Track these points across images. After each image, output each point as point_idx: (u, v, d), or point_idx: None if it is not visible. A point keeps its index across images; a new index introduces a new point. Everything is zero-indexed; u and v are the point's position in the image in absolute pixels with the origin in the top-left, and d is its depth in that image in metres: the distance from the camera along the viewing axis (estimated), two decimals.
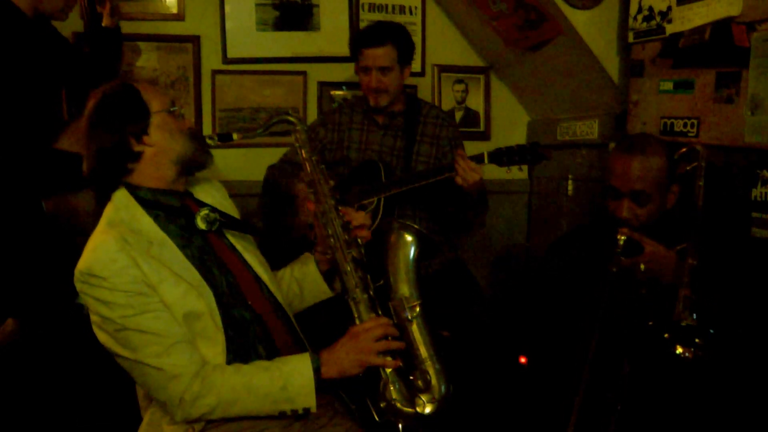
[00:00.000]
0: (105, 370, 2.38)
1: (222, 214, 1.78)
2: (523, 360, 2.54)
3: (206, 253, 1.73)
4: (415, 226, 1.85)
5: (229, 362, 1.62)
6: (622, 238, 1.94)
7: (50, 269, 2.45)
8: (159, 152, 1.69)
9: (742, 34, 2.27)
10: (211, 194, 1.90)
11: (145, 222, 1.67)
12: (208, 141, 1.74)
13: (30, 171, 2.38)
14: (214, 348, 1.62)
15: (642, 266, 1.93)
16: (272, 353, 1.69)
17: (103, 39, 2.65)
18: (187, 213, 1.74)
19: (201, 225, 1.72)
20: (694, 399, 1.93)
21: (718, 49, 2.36)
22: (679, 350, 1.78)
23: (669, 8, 2.56)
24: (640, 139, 2.15)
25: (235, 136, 1.73)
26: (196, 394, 1.55)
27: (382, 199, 2.67)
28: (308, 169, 1.84)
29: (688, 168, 2.05)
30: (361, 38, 2.74)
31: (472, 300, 2.92)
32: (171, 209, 1.72)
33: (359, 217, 1.86)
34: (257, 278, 1.81)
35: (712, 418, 1.93)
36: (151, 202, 1.69)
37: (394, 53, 2.69)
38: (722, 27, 2.32)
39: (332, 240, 1.78)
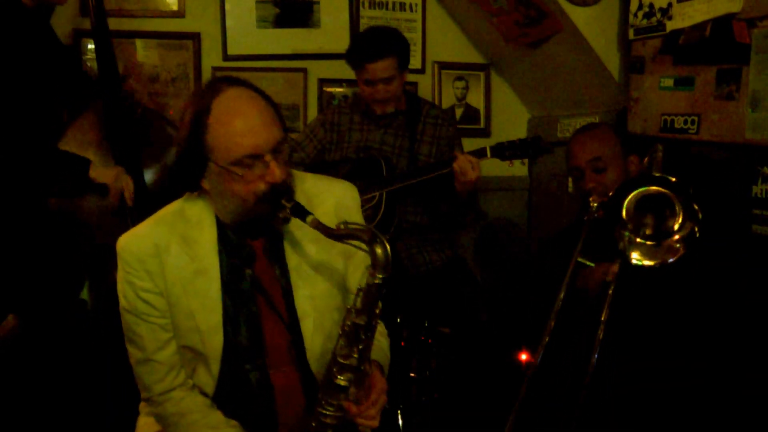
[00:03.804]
0: (105, 367, 2.40)
1: (265, 286, 1.57)
2: (523, 357, 2.54)
3: (248, 303, 1.57)
4: None
5: (217, 397, 1.60)
6: (594, 204, 2.01)
7: (52, 265, 2.46)
8: (214, 197, 1.54)
9: (742, 30, 2.27)
10: (310, 239, 1.59)
11: (207, 235, 1.55)
12: (280, 213, 1.49)
13: (34, 169, 2.37)
14: (207, 379, 1.58)
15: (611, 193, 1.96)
16: (271, 416, 1.60)
17: (108, 37, 2.64)
18: (241, 256, 1.57)
19: (248, 279, 1.57)
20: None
21: (719, 46, 2.36)
22: (644, 261, 1.74)
23: (669, 5, 2.56)
24: (584, 125, 2.34)
25: (308, 219, 1.45)
26: (152, 413, 1.62)
27: (384, 194, 2.68)
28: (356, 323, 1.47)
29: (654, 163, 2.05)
30: (362, 53, 2.66)
31: (471, 297, 2.92)
32: (228, 242, 1.56)
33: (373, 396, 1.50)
34: (295, 337, 1.59)
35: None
36: (218, 220, 1.57)
37: (396, 63, 2.66)
38: (723, 23, 2.32)
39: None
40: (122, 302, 1.56)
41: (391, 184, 2.65)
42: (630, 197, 1.79)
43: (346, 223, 1.44)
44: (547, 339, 1.85)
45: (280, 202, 1.46)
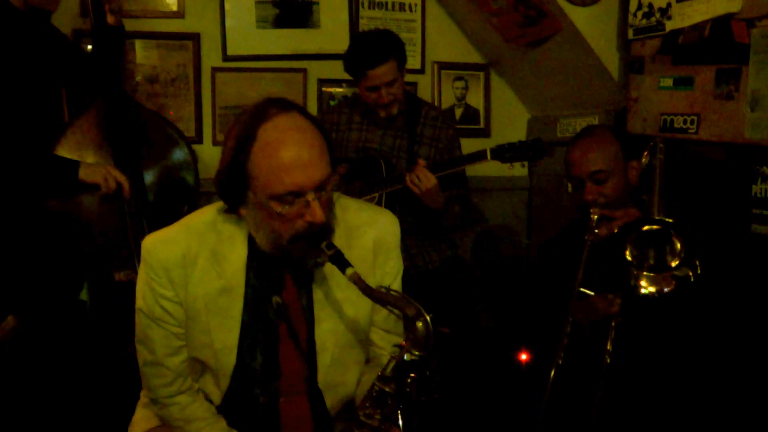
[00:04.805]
0: (105, 368, 2.40)
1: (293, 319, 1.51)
2: (523, 357, 2.54)
3: (268, 330, 1.53)
4: None
5: (222, 411, 1.58)
6: (595, 217, 2.01)
7: (52, 266, 2.46)
8: (251, 224, 1.46)
9: (742, 30, 2.27)
10: (340, 273, 1.41)
11: (237, 253, 1.48)
12: (318, 258, 1.41)
13: (27, 173, 2.37)
14: (214, 390, 1.57)
15: (616, 230, 1.97)
16: None
17: (108, 37, 2.64)
18: (271, 281, 1.51)
19: (274, 306, 1.51)
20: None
21: (718, 46, 2.36)
22: (648, 290, 1.77)
23: (669, 5, 2.56)
24: (585, 128, 2.28)
25: (348, 272, 1.36)
26: (156, 412, 1.61)
27: (384, 194, 2.68)
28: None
29: (654, 161, 2.05)
30: (363, 61, 2.64)
31: (471, 296, 2.92)
32: (259, 264, 1.50)
33: None
34: (311, 369, 1.55)
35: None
36: (251, 239, 1.49)
37: (396, 64, 2.66)
38: (722, 23, 2.32)
39: None
40: (139, 303, 1.52)
41: (372, 190, 2.67)
42: (632, 238, 1.80)
43: (388, 288, 1.37)
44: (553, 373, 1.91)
45: (319, 246, 1.38)
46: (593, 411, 1.88)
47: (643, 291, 1.78)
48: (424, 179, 2.49)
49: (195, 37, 3.30)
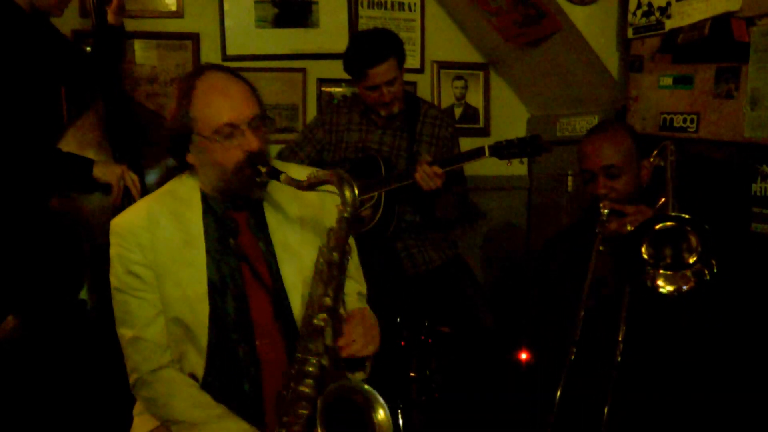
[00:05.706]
0: (105, 368, 2.39)
1: (248, 254, 1.66)
2: (523, 356, 2.54)
3: (234, 275, 1.66)
4: None
5: (207, 381, 1.62)
6: (605, 211, 2.00)
7: (52, 266, 2.46)
8: (199, 170, 1.68)
9: (741, 29, 2.27)
10: (295, 215, 1.71)
11: (194, 209, 1.67)
12: (258, 178, 1.60)
13: (34, 170, 2.37)
14: (197, 358, 1.62)
15: (629, 227, 1.94)
16: (257, 392, 1.63)
17: (108, 37, 2.64)
18: (225, 226, 1.68)
19: (232, 248, 1.66)
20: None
21: (718, 45, 2.36)
22: (666, 288, 1.76)
23: (668, 4, 2.56)
24: (601, 123, 2.27)
25: (281, 177, 1.57)
26: (142, 397, 1.65)
27: (383, 193, 2.68)
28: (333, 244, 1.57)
29: (662, 163, 2.04)
30: (363, 60, 2.63)
31: (472, 296, 2.92)
32: (214, 214, 1.68)
33: (355, 337, 1.58)
34: (281, 310, 1.67)
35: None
36: (203, 196, 1.70)
37: (396, 62, 2.66)
38: (722, 22, 2.32)
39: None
40: (113, 282, 1.64)
41: (375, 188, 2.67)
42: (647, 237, 1.78)
43: (316, 171, 1.56)
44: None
45: (257, 168, 1.58)
46: (604, 409, 1.87)
47: (661, 290, 1.77)
48: (434, 176, 2.49)
49: (194, 37, 3.29)
